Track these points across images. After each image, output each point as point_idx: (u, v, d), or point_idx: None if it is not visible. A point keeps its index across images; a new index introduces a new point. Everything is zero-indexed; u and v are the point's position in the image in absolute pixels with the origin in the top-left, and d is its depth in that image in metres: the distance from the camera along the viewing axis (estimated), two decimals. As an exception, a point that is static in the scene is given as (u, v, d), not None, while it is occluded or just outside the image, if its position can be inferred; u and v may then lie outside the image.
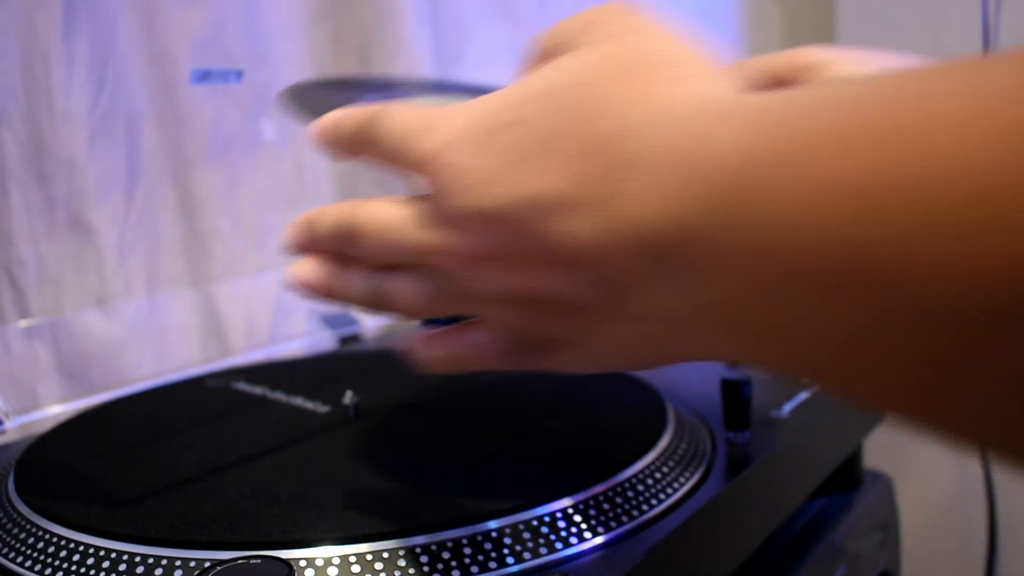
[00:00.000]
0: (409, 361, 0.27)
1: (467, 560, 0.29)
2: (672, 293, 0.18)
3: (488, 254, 0.22)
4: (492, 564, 0.28)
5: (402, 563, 0.28)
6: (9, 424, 0.47)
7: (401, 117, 0.24)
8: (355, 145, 0.26)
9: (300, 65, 0.64)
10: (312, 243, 0.27)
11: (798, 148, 0.15)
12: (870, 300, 0.15)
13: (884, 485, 0.52)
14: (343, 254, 0.27)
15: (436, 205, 0.22)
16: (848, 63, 0.32)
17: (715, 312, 0.18)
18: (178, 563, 0.29)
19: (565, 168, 0.20)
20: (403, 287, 0.25)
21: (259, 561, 0.28)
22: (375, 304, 0.26)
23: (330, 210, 0.27)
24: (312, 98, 0.39)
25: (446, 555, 0.29)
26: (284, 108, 0.39)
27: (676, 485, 0.34)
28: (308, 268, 0.28)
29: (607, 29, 0.22)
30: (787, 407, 0.41)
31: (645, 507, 0.32)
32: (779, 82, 0.33)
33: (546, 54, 0.23)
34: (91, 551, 0.30)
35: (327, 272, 0.27)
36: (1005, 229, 0.12)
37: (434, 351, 0.26)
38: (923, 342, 0.14)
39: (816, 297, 0.15)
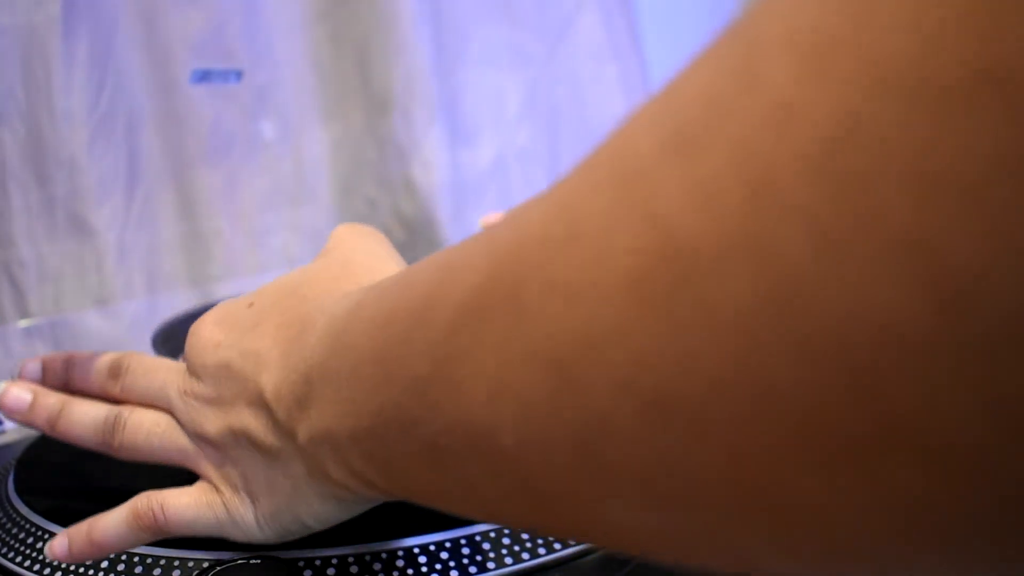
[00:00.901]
0: None
1: (465, 560, 0.29)
2: (308, 424, 0.24)
3: (211, 399, 0.28)
4: (491, 564, 0.29)
5: (400, 563, 0.28)
6: (9, 424, 0.47)
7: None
8: None
9: (300, 65, 0.64)
10: (58, 372, 0.32)
11: (351, 313, 0.23)
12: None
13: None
14: (77, 387, 0.32)
15: (187, 361, 0.29)
16: None
17: (331, 440, 0.23)
18: (177, 563, 0.29)
19: (274, 333, 0.27)
20: (144, 416, 0.30)
21: (259, 561, 0.28)
22: (104, 429, 0.30)
23: (103, 355, 0.32)
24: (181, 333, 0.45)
25: (444, 555, 0.29)
26: (156, 349, 0.42)
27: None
28: (37, 389, 0.31)
29: (334, 244, 0.31)
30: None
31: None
32: None
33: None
34: (91, 551, 0.30)
35: (58, 396, 0.31)
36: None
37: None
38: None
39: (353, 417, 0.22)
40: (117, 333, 0.54)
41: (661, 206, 0.13)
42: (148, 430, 0.29)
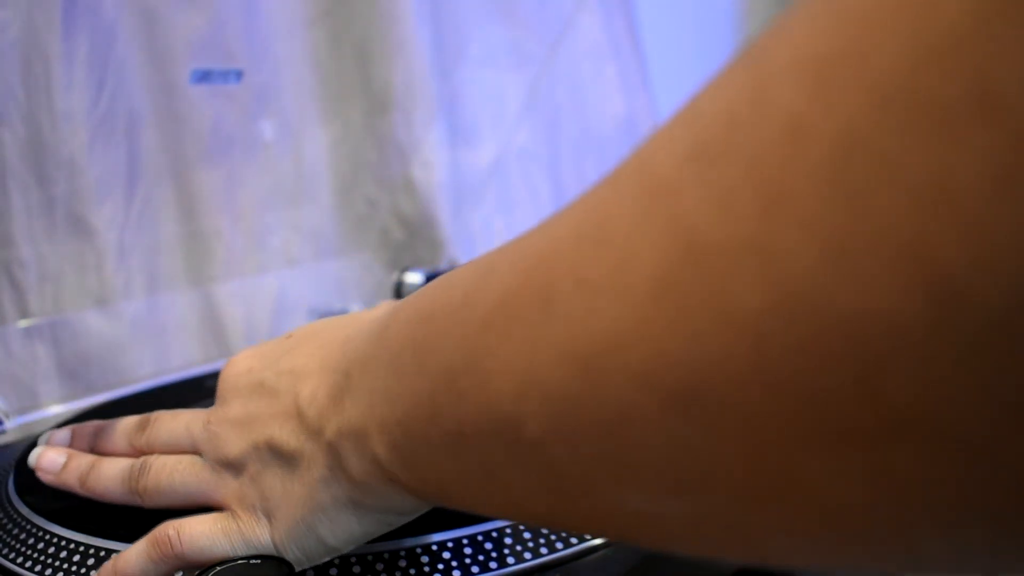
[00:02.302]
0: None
1: (467, 560, 0.29)
2: (339, 418, 0.25)
3: (237, 419, 0.28)
4: (493, 564, 0.28)
5: (403, 563, 0.28)
6: (9, 424, 0.47)
7: None
8: None
9: (300, 65, 0.64)
10: (86, 438, 0.34)
11: (392, 313, 0.24)
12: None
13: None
14: (106, 449, 0.33)
15: (218, 391, 0.30)
16: None
17: (359, 432, 0.24)
18: (179, 563, 0.29)
19: (313, 351, 0.28)
20: (167, 458, 0.30)
21: (259, 561, 0.28)
22: (130, 477, 0.30)
23: (130, 417, 0.34)
24: None
25: (446, 555, 0.29)
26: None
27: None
28: (71, 452, 0.33)
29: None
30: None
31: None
32: None
33: None
34: (91, 551, 0.30)
35: (89, 458, 0.32)
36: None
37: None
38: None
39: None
40: (117, 333, 0.54)
41: (683, 214, 0.14)
42: (171, 468, 0.30)
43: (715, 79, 0.15)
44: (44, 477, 0.33)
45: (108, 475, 0.31)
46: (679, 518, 0.16)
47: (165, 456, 0.30)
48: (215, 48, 0.58)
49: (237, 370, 0.30)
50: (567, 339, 0.16)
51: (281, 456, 0.27)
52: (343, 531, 0.26)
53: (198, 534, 0.28)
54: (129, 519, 0.31)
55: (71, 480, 0.32)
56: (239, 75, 0.59)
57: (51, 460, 0.33)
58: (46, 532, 0.32)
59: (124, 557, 0.29)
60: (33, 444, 0.41)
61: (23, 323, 0.50)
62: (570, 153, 0.79)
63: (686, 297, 0.14)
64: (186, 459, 0.30)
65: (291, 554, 0.27)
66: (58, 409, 0.50)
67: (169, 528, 0.28)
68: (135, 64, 0.54)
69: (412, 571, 0.28)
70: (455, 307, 0.20)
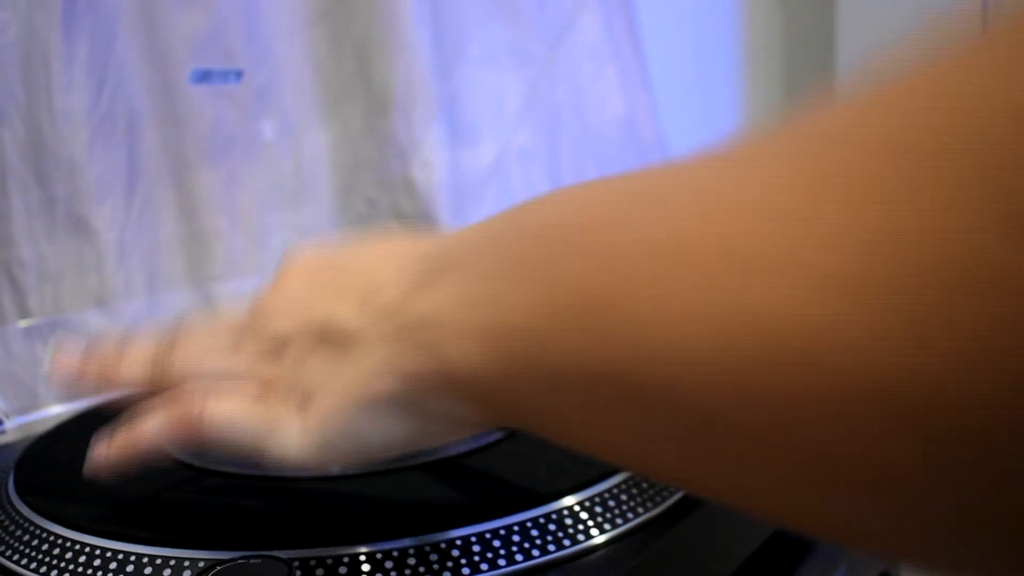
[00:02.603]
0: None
1: (476, 557, 0.28)
2: (416, 309, 0.22)
3: (297, 297, 0.26)
4: (501, 561, 0.28)
5: (412, 560, 0.28)
6: (9, 424, 0.47)
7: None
8: None
9: (300, 65, 0.64)
10: (117, 343, 0.30)
11: (489, 238, 0.22)
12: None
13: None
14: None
15: (276, 273, 0.27)
16: None
17: (440, 337, 0.21)
18: (186, 563, 0.29)
19: (404, 239, 0.25)
20: (204, 336, 0.28)
21: (259, 561, 0.28)
22: (160, 351, 0.28)
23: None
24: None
25: (455, 552, 0.28)
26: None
27: (681, 483, 0.34)
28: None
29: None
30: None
31: (650, 504, 0.32)
32: None
33: None
34: (91, 551, 0.30)
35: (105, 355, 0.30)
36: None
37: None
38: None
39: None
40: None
41: (958, 233, 0.13)
42: (200, 342, 0.27)
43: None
44: (62, 367, 0.29)
45: (131, 357, 0.28)
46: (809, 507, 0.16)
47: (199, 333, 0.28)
48: (215, 48, 0.58)
49: (304, 251, 0.27)
50: (757, 313, 0.15)
51: (334, 339, 0.24)
52: (382, 431, 0.23)
53: (222, 408, 0.25)
54: (130, 519, 0.31)
55: (91, 367, 0.29)
56: (239, 75, 0.59)
57: (71, 350, 0.29)
58: (46, 532, 0.31)
59: (143, 418, 0.26)
60: (33, 444, 0.41)
61: (23, 323, 0.50)
62: (570, 153, 0.79)
63: (910, 310, 0.13)
64: (222, 339, 0.27)
65: (308, 445, 0.24)
66: (58, 409, 0.50)
67: (196, 393, 0.25)
68: (135, 64, 0.54)
69: (421, 568, 0.28)
70: (600, 227, 0.18)
